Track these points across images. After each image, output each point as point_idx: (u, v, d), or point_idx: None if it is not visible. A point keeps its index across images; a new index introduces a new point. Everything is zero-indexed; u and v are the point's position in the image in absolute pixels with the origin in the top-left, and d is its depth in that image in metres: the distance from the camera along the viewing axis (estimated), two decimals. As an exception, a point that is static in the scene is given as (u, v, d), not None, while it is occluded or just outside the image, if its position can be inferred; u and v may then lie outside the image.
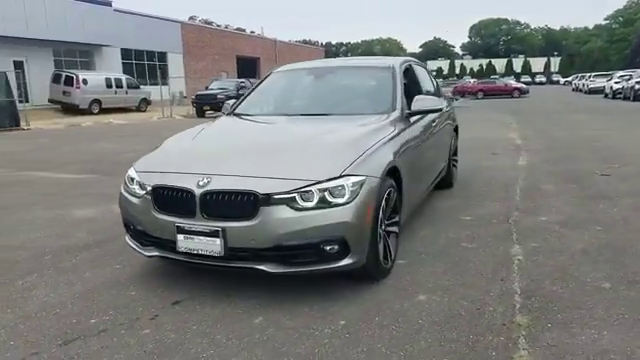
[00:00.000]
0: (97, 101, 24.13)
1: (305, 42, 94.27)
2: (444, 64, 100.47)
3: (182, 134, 3.76)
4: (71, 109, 23.68)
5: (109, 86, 24.88)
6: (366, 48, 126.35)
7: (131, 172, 3.33)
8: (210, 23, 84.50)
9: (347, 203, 2.82)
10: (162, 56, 34.42)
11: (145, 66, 32.97)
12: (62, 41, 25.59)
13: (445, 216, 4.72)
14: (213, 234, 2.82)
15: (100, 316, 2.85)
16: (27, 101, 24.15)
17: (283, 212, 2.76)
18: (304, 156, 3.11)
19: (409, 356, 2.36)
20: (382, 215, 3.13)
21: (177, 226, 2.92)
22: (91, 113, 23.58)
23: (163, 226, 2.99)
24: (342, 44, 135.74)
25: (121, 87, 25.59)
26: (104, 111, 24.17)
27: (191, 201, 2.88)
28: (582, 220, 4.50)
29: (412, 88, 4.76)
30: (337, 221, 2.78)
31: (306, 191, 2.78)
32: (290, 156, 3.12)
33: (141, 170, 3.28)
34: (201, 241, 2.86)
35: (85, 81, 23.53)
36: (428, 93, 5.16)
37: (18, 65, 24.07)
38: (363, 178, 2.92)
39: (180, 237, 2.92)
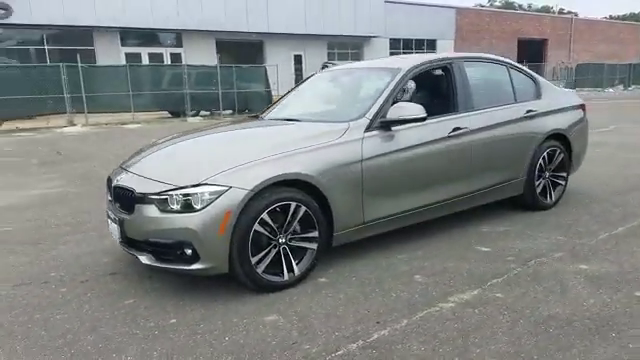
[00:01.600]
0: (355, 89, 26.63)
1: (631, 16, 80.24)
2: None
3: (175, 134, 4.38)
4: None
5: (367, 75, 27.10)
6: None
7: None
8: (511, 4, 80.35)
9: (198, 211, 3.00)
10: (431, 43, 35.15)
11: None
12: (335, 35, 29.02)
13: (464, 243, 4.06)
14: (115, 222, 3.41)
15: (60, 271, 3.78)
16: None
17: (151, 211, 3.13)
18: (194, 162, 3.37)
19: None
20: (264, 229, 3.14)
21: (107, 212, 3.63)
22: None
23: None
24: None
25: (379, 76, 27.53)
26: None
27: (110, 192, 3.53)
28: (633, 279, 3.27)
29: (448, 93, 4.24)
30: (184, 227, 3.00)
31: (171, 195, 3.08)
32: (190, 161, 3.43)
33: None
34: (114, 227, 3.49)
35: (346, 71, 26.25)
36: (493, 98, 4.52)
37: (297, 58, 28.58)
38: (224, 188, 3.02)
39: (109, 221, 3.61)
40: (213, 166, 3.16)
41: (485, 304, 3.01)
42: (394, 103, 3.77)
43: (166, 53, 24.38)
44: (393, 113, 3.68)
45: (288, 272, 3.28)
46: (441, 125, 4.00)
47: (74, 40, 21.68)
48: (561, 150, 4.93)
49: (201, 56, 23.09)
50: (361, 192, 3.56)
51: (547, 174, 4.87)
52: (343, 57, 30.63)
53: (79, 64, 14.80)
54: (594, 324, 2.74)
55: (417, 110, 3.65)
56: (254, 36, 26.42)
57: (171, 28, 23.65)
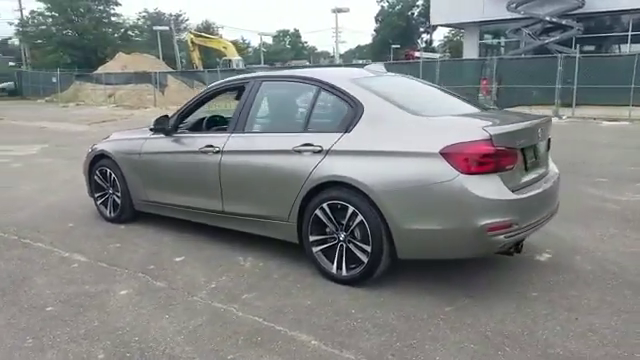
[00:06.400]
0: None
1: None
2: None
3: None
4: None
5: None
6: None
7: None
8: None
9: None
10: None
11: None
12: None
13: (167, 257, 4.40)
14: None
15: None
16: None
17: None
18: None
19: None
20: (99, 179, 5.45)
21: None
22: None
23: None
24: None
25: None
26: None
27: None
28: None
29: (245, 111, 4.37)
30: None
31: None
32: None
33: None
34: None
35: None
36: (277, 123, 4.49)
37: None
38: (97, 147, 5.54)
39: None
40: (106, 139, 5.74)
41: None
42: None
43: None
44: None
45: (110, 213, 5.42)
46: (198, 140, 4.50)
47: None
48: (359, 211, 3.45)
49: None
50: (141, 176, 5.00)
51: (342, 236, 3.62)
52: None
53: (577, 54, 14.71)
54: None
55: (157, 123, 4.64)
56: None
57: None
